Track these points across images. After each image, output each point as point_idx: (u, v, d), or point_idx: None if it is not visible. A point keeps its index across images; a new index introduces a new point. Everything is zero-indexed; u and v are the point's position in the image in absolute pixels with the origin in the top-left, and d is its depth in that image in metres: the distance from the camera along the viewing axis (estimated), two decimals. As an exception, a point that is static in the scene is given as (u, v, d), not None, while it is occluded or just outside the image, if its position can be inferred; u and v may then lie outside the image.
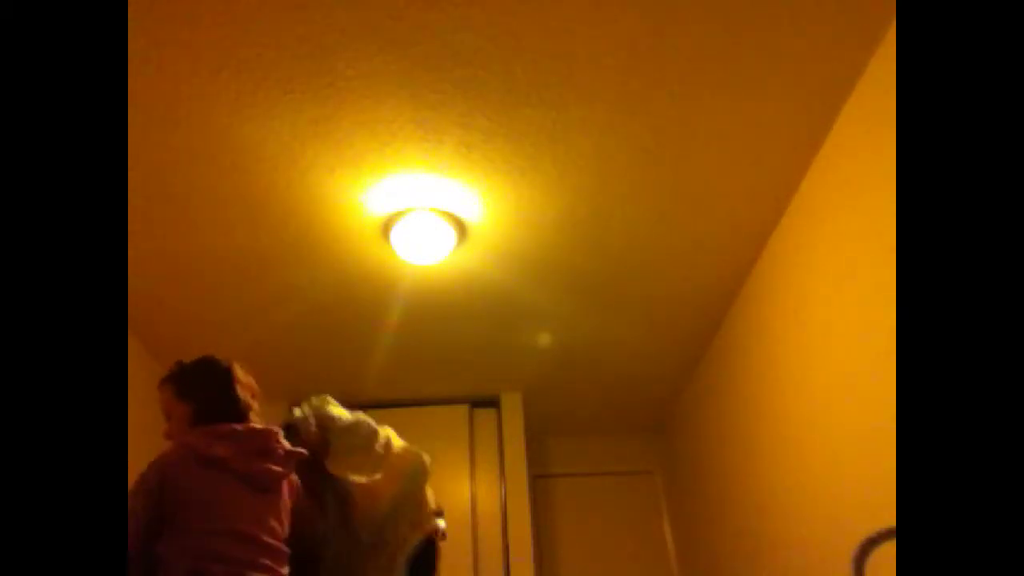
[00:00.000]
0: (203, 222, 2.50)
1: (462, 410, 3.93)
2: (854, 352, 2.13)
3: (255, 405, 1.80)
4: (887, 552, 1.79)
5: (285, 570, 1.64)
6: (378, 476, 1.93)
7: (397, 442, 2.08)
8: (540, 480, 4.47)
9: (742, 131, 2.21)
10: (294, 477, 1.81)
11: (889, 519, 1.91)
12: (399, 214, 2.50)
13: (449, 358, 3.61)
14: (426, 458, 2.05)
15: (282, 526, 1.70)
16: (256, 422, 1.76)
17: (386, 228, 2.57)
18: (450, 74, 1.96)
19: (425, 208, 2.49)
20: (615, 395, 4.13)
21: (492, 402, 4.00)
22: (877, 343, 2.00)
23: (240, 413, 1.73)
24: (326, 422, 2.01)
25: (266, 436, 1.72)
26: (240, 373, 1.80)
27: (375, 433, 2.04)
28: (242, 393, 1.76)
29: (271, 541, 1.63)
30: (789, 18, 1.85)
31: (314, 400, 2.08)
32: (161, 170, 2.25)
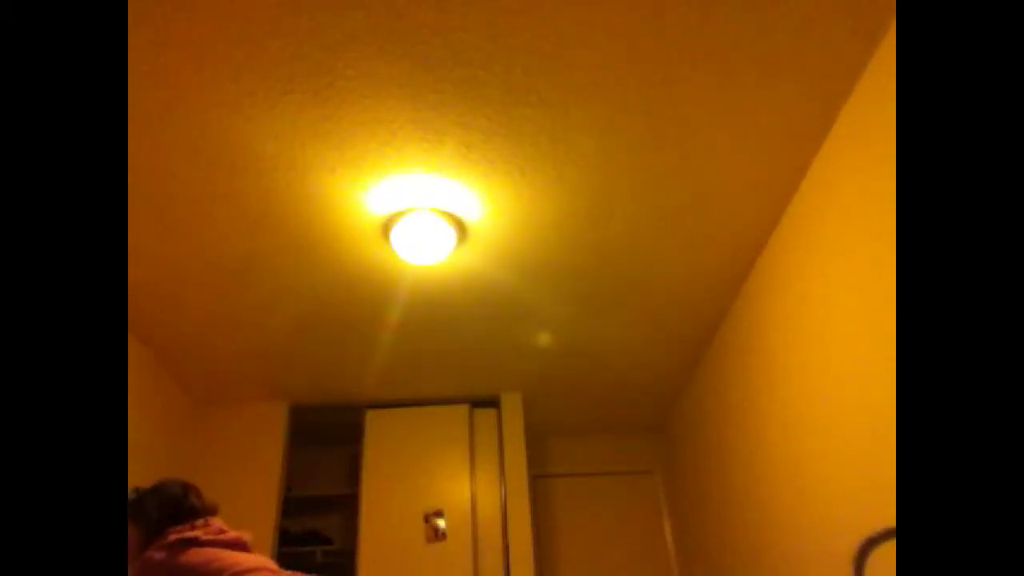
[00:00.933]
0: (203, 222, 2.50)
1: (462, 410, 3.93)
2: (854, 352, 2.13)
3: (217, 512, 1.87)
4: (887, 552, 1.80)
5: None
6: None
7: None
8: (540, 480, 4.48)
9: (742, 131, 2.21)
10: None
11: (889, 519, 1.91)
12: (399, 214, 2.51)
13: (449, 358, 3.61)
14: None
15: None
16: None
17: (386, 228, 2.57)
18: (450, 74, 1.96)
19: (425, 208, 2.49)
20: (615, 395, 4.13)
21: (492, 402, 4.00)
22: (877, 343, 2.00)
23: (208, 510, 1.82)
24: None
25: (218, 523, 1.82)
26: (194, 493, 1.87)
27: None
28: (198, 500, 1.83)
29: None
30: (789, 18, 1.85)
31: None
32: (161, 170, 2.25)
